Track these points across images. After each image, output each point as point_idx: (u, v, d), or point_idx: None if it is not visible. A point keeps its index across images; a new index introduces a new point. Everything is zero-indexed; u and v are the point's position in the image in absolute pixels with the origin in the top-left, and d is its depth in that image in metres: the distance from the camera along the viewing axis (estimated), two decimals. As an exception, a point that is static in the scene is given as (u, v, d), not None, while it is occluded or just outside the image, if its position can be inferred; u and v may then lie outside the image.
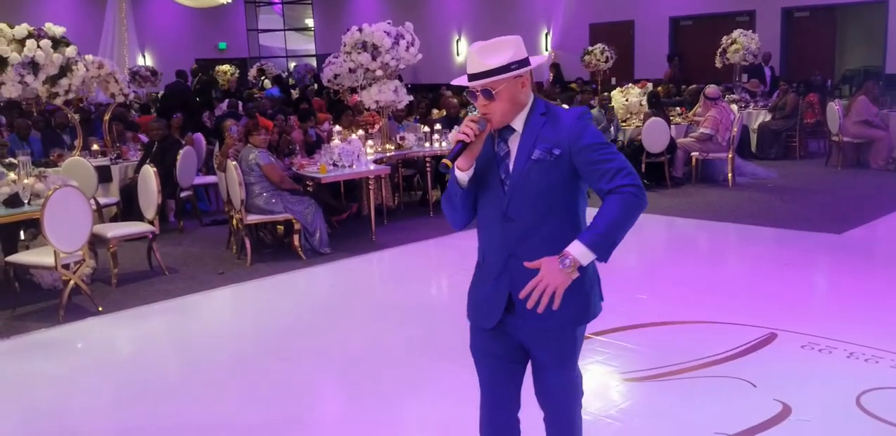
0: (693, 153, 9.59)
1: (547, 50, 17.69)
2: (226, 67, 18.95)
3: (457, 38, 19.28)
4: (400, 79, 8.69)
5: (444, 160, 2.23)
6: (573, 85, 14.51)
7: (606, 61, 13.95)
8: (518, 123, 2.32)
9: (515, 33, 2.43)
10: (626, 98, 10.38)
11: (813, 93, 11.66)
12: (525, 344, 2.44)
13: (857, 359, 4.10)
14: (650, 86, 11.06)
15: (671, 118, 9.98)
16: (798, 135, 11.36)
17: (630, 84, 11.12)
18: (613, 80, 14.77)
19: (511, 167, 2.30)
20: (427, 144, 8.34)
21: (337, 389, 4.23)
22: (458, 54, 19.12)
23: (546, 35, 17.68)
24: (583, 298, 2.36)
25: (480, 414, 2.58)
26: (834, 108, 10.23)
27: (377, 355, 4.48)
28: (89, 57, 7.01)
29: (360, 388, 4.09)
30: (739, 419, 3.47)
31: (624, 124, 10.04)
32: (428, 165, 8.24)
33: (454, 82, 2.44)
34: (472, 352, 2.54)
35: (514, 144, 2.32)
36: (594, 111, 9.61)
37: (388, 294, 5.86)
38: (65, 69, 5.69)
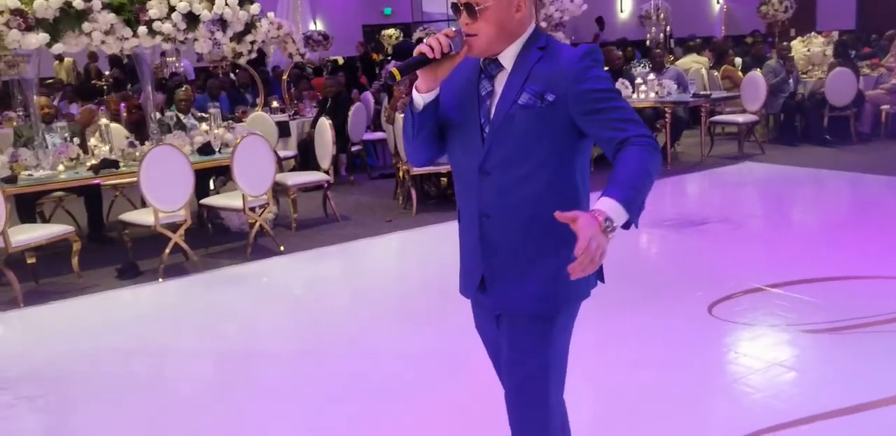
0: (883, 106, 8.83)
1: (718, 2, 16.74)
2: (391, 32, 19.52)
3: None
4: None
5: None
6: (748, 39, 13.69)
7: (785, 11, 13.00)
8: (507, 58, 1.89)
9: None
10: (808, 48, 9.67)
11: None
12: (498, 324, 2.07)
13: None
14: (835, 35, 10.22)
15: (860, 69, 9.21)
16: None
17: (813, 33, 10.34)
18: (792, 32, 13.78)
19: (493, 111, 1.90)
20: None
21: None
22: (621, 12, 18.52)
23: (719, -15, 16.74)
24: (564, 277, 1.77)
25: None
26: None
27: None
28: (271, 15, 7.43)
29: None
30: (928, 375, 3.24)
31: (805, 76, 9.38)
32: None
33: None
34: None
35: (500, 83, 1.90)
36: (771, 62, 9.03)
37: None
38: (249, 26, 6.08)
